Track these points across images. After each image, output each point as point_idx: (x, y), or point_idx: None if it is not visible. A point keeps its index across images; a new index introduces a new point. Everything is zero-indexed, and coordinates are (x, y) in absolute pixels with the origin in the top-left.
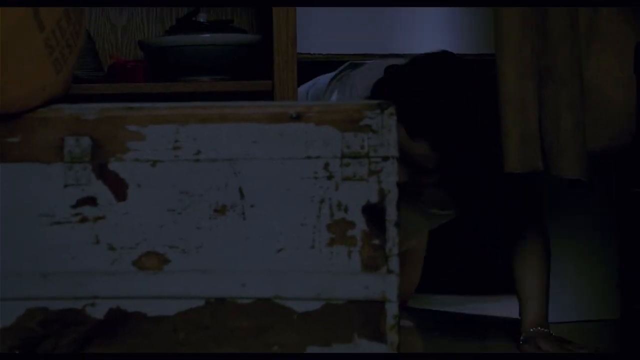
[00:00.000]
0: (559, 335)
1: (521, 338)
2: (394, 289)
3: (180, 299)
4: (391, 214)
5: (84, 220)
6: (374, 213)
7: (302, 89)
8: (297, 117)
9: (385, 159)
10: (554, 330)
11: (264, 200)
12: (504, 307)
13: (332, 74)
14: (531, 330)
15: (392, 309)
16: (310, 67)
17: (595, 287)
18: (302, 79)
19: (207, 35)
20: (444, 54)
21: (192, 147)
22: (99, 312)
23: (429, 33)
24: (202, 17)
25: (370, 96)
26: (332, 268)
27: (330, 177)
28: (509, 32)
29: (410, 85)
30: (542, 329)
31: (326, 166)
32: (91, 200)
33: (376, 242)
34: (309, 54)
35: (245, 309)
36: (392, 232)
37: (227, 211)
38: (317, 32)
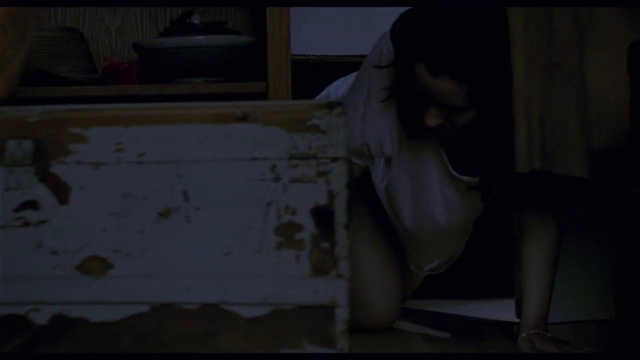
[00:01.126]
0: (558, 336)
1: (519, 338)
2: (344, 293)
3: (125, 304)
4: (340, 216)
5: (26, 224)
6: (322, 215)
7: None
8: (243, 118)
9: (334, 159)
10: (551, 331)
11: (210, 203)
12: (500, 309)
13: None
14: (531, 331)
15: (341, 314)
16: (304, 68)
17: (589, 288)
18: (297, 80)
19: (201, 37)
20: None
21: (135, 149)
22: (42, 317)
23: None
24: (196, 19)
25: (389, 39)
26: (280, 272)
27: (277, 179)
28: (515, 27)
29: (427, 21)
30: (541, 331)
31: (273, 168)
32: (33, 204)
33: (325, 245)
34: (304, 55)
35: (191, 314)
36: (341, 235)
37: (172, 214)
38: (312, 33)
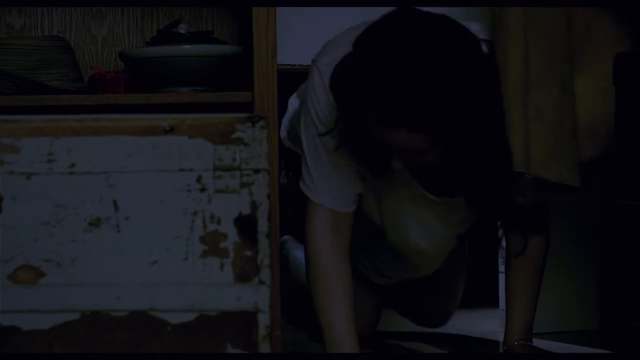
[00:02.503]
0: (542, 347)
1: (504, 349)
2: (266, 299)
3: (56, 312)
4: (262, 225)
5: None
6: (245, 225)
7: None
8: (171, 130)
9: (257, 171)
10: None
11: (138, 212)
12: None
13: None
14: (515, 343)
15: (264, 319)
16: (290, 78)
17: (573, 298)
18: (283, 90)
19: (188, 46)
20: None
21: (66, 160)
22: None
23: None
24: (182, 29)
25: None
26: (205, 280)
27: (203, 190)
28: (512, 30)
29: (373, 63)
30: (525, 342)
31: (199, 179)
32: None
33: (248, 253)
34: (290, 65)
35: (120, 322)
36: (263, 244)
37: (102, 224)
38: (298, 43)
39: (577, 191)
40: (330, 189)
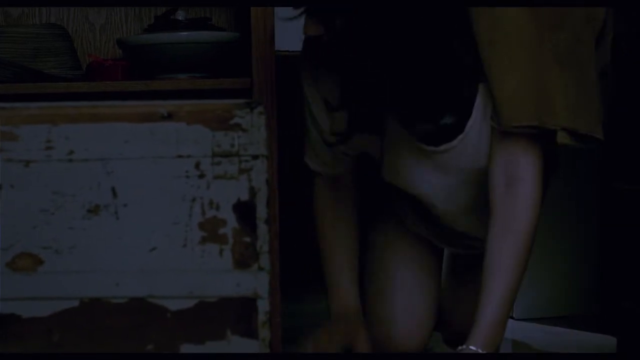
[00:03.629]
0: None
1: (460, 347)
2: (265, 285)
3: (55, 299)
4: (261, 211)
5: None
6: (244, 211)
7: None
8: (169, 116)
9: (256, 157)
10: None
11: (137, 199)
12: None
13: None
14: (471, 347)
15: (263, 305)
16: (289, 63)
17: (573, 283)
18: (282, 75)
19: (185, 33)
20: None
21: (64, 147)
22: None
23: None
24: (180, 15)
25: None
26: (204, 266)
27: (201, 176)
28: None
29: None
30: (479, 350)
31: (197, 165)
32: None
33: (247, 239)
34: (288, 51)
35: (119, 309)
36: (262, 230)
37: (100, 211)
38: (296, 28)
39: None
40: (311, 153)
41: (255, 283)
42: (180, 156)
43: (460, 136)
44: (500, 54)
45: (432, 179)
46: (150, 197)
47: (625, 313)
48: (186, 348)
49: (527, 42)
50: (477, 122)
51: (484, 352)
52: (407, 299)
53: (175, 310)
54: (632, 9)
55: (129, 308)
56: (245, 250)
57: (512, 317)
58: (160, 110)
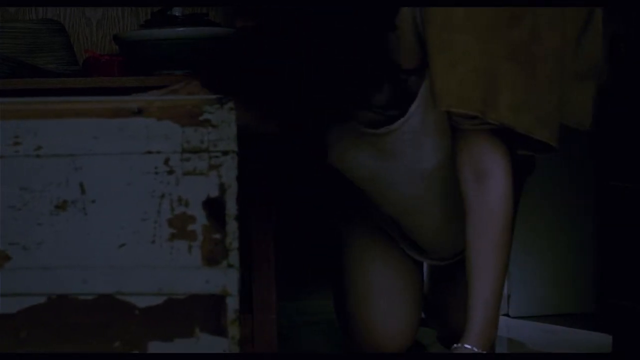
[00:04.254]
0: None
1: (453, 347)
2: (235, 283)
3: (22, 296)
4: (231, 208)
5: None
6: (214, 207)
7: None
8: (139, 112)
9: (225, 153)
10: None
11: (105, 195)
12: None
13: None
14: (466, 345)
15: (232, 303)
16: None
17: (570, 281)
18: None
19: (182, 29)
20: None
21: (32, 143)
22: None
23: None
24: (177, 11)
25: None
26: (173, 263)
27: (171, 172)
28: None
29: None
30: (476, 349)
31: (167, 161)
32: None
33: (216, 236)
34: None
35: (87, 306)
36: (232, 226)
37: (68, 207)
38: None
39: (553, 151)
40: None
41: (224, 280)
42: (149, 152)
43: (402, 119)
44: (450, 44)
45: (371, 163)
46: (119, 193)
47: (622, 311)
48: (154, 345)
49: (480, 35)
50: (420, 110)
51: (480, 350)
52: (388, 303)
53: (144, 307)
54: (630, 10)
55: (96, 305)
56: (215, 247)
57: (508, 315)
58: (130, 106)
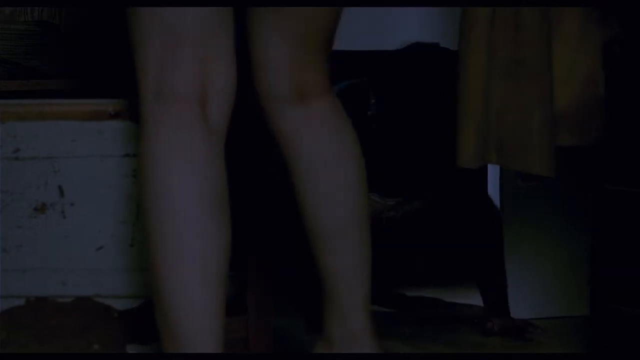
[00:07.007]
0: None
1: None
2: None
3: (1, 298)
4: None
5: None
6: None
7: None
8: (116, 115)
9: None
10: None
11: (84, 198)
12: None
13: None
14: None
15: None
16: None
17: (565, 284)
18: None
19: None
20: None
21: (11, 145)
22: None
23: (414, 27)
24: None
25: None
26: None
27: None
28: (477, 23)
29: None
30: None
31: None
32: None
33: None
34: None
35: (66, 308)
36: None
37: (47, 210)
38: None
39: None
40: None
41: None
42: (127, 155)
43: None
44: None
45: None
46: (98, 196)
47: (616, 315)
48: (132, 348)
49: None
50: None
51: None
52: None
53: (122, 310)
54: (625, 11)
55: (75, 307)
56: None
57: None
58: (108, 109)
